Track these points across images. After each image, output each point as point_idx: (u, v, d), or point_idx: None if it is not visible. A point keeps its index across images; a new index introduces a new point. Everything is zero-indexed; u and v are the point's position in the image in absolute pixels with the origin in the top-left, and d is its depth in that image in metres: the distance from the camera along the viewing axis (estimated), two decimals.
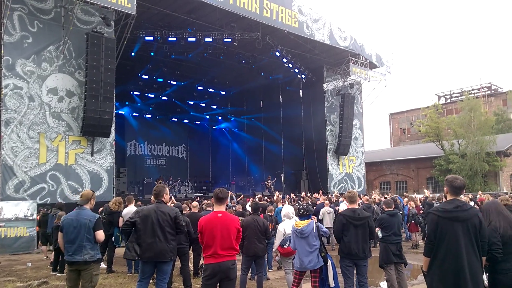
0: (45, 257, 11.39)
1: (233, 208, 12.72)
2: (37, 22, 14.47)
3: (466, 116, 31.06)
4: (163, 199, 5.27)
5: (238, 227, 4.70)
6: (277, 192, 18.67)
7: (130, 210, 8.44)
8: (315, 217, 6.45)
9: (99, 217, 5.15)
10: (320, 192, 19.56)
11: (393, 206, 7.23)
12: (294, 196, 18.77)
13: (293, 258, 6.28)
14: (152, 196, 5.33)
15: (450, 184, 3.77)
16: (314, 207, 13.03)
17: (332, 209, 12.78)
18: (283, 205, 12.01)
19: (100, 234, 5.00)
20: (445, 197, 3.88)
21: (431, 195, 16.88)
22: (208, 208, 8.97)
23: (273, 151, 28.47)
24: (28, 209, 12.99)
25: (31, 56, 14.34)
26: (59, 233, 5.06)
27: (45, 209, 12.42)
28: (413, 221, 12.61)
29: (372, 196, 17.15)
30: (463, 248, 3.55)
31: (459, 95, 48.95)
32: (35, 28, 14.44)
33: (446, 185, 3.81)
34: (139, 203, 12.44)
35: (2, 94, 13.72)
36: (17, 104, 14.02)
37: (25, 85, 14.20)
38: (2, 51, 13.81)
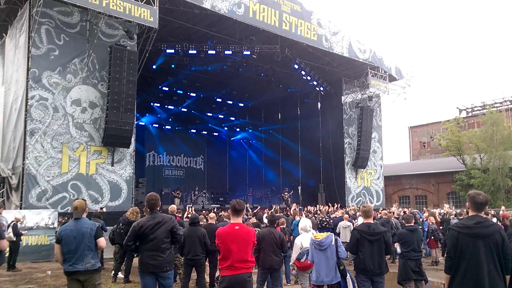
0: None
1: (249, 220, 12.72)
2: (63, 36, 14.93)
3: (488, 130, 30.33)
4: (158, 208, 5.19)
5: (255, 240, 4.70)
6: (294, 204, 18.54)
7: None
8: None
9: (99, 224, 5.10)
10: (337, 205, 19.34)
11: (413, 221, 7.08)
12: (312, 209, 18.61)
13: (310, 272, 6.19)
14: (146, 206, 5.18)
15: (472, 200, 3.69)
16: (331, 221, 12.87)
17: (350, 223, 12.58)
18: (300, 218, 11.93)
19: (102, 241, 4.94)
20: (467, 213, 3.81)
21: (448, 210, 16.48)
22: (227, 220, 8.97)
23: (291, 163, 28.41)
24: (50, 218, 13.23)
25: (57, 68, 14.77)
26: (56, 244, 4.95)
27: (66, 218, 12.64)
28: (432, 237, 12.31)
29: (391, 210, 16.85)
30: (484, 266, 3.46)
31: (481, 108, 47.90)
32: (62, 41, 14.89)
33: (468, 200, 3.73)
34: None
35: (28, 105, 14.16)
36: (42, 114, 14.43)
37: (50, 96, 14.62)
38: (30, 63, 14.29)
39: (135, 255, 9.04)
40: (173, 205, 10.04)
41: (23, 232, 11.77)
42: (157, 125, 28.50)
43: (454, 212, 15.09)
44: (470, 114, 48.79)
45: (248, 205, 17.95)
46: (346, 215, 13.06)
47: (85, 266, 4.82)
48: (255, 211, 16.52)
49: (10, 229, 10.75)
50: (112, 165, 15.73)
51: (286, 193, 24.81)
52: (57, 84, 14.78)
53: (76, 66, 15.18)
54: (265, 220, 10.37)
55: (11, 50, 16.37)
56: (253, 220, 12.25)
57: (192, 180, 29.20)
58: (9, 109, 15.98)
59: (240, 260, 4.44)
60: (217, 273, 7.87)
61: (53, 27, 14.78)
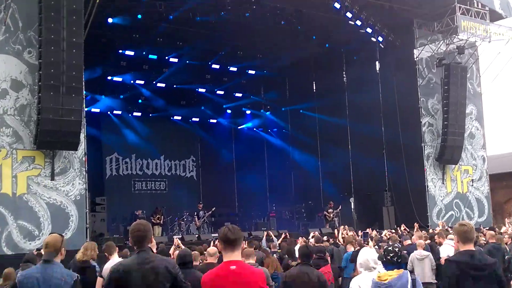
0: None
1: (275, 254, 12.65)
2: None
3: None
4: (149, 244, 5.25)
5: (262, 286, 4.72)
6: (344, 227, 18.47)
7: (113, 263, 8.52)
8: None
9: (78, 276, 5.24)
10: (416, 226, 19.23)
11: None
12: (373, 233, 18.50)
13: None
14: (131, 241, 5.28)
15: None
16: (405, 252, 12.80)
17: (428, 253, 12.47)
18: (356, 248, 11.84)
19: None
20: None
21: None
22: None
23: (336, 162, 28.35)
24: None
25: None
26: None
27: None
28: None
29: (502, 230, 16.61)
30: None
31: None
32: None
33: None
34: (125, 251, 12.59)
35: None
36: None
37: None
38: None
39: None
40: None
41: None
42: (119, 112, 28.71)
43: None
44: None
45: (270, 232, 17.93)
46: (421, 241, 12.95)
47: None
48: (280, 240, 16.51)
49: None
50: (53, 179, 15.85)
51: (331, 210, 24.79)
52: None
53: None
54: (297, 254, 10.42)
55: None
56: (267, 254, 12.21)
57: (180, 195, 29.31)
58: None
59: None
60: None
61: None
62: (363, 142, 27.03)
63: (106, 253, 9.19)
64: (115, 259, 8.81)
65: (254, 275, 4.69)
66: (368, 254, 6.66)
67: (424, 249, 12.41)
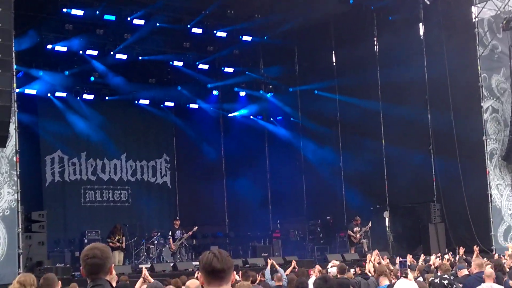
0: None
1: None
2: None
3: None
4: (107, 276, 5.28)
5: None
6: (373, 253, 18.44)
7: None
8: None
9: None
10: (475, 250, 19.20)
11: None
12: (415, 261, 18.48)
13: None
14: (83, 270, 5.24)
15: None
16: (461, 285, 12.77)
17: (501, 287, 12.45)
18: (391, 281, 11.87)
19: None
20: None
21: None
22: None
23: (364, 161, 28.34)
24: None
25: None
26: None
27: None
28: None
29: None
30: None
31: None
32: None
33: None
34: (73, 286, 12.52)
35: None
36: None
37: None
38: None
39: None
40: None
41: None
42: (64, 94, 28.60)
43: None
44: None
45: (273, 261, 17.93)
46: (490, 270, 12.90)
47: None
48: (288, 271, 16.48)
49: None
50: None
51: (357, 228, 24.96)
52: None
53: None
54: None
55: None
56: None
57: (149, 209, 29.42)
58: None
59: None
60: None
61: None
62: (402, 134, 26.99)
63: None
64: None
65: None
66: None
67: (495, 282, 12.36)
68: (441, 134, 25.55)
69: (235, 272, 4.93)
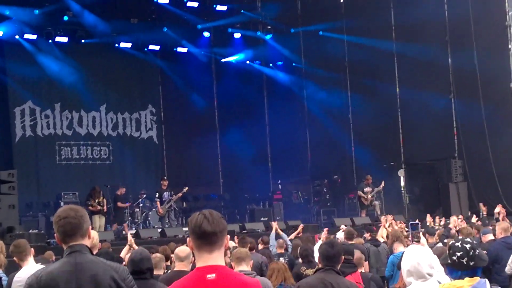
0: None
1: (282, 258, 12.65)
2: None
3: None
4: (85, 241, 5.27)
5: None
6: (386, 218, 18.47)
7: (27, 273, 8.48)
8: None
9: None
10: (501, 211, 19.30)
11: None
12: (434, 222, 18.56)
13: None
14: (57, 236, 5.25)
15: None
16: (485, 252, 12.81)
17: None
18: (409, 244, 11.89)
19: None
20: None
21: None
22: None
23: (376, 111, 28.51)
24: None
25: None
26: None
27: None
28: None
29: None
30: None
31: None
32: None
33: None
34: (49, 254, 12.55)
35: None
36: None
37: None
38: None
39: None
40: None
41: None
42: (34, 37, 28.37)
43: None
44: None
45: (275, 223, 17.97)
46: None
47: None
48: (292, 235, 16.58)
49: None
50: None
51: (368, 188, 25.07)
52: None
53: None
54: (316, 255, 10.74)
55: None
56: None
57: (132, 168, 29.56)
58: None
59: None
60: None
61: None
62: (419, 77, 27.13)
63: (15, 258, 9.14)
64: (30, 266, 8.79)
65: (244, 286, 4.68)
66: (420, 255, 6.69)
67: None
68: (463, 78, 25.58)
69: (229, 236, 4.84)
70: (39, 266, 8.18)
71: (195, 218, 4.68)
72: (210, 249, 4.67)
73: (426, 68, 26.53)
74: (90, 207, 22.96)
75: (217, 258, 4.67)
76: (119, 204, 25.00)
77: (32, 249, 9.48)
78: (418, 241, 12.81)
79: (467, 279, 5.71)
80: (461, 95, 25.80)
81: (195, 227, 4.66)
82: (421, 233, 14.96)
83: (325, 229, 17.39)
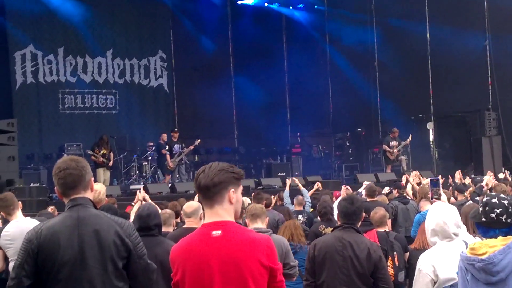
0: None
1: (300, 215, 12.44)
2: None
3: None
4: (87, 193, 5.36)
5: (269, 264, 4.66)
6: (412, 173, 18.27)
7: (15, 227, 8.47)
8: None
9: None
10: None
11: None
12: (464, 179, 18.36)
13: None
14: (58, 189, 5.37)
15: None
16: None
17: None
18: (435, 202, 11.65)
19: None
20: None
21: None
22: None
23: (406, 53, 28.31)
24: None
25: None
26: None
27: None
28: None
29: None
30: None
31: None
32: None
33: None
34: (51, 209, 12.34)
35: None
36: None
37: None
38: None
39: None
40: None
41: None
42: None
43: None
44: None
45: (294, 178, 17.93)
46: None
47: None
48: (311, 191, 16.45)
49: None
50: None
51: (394, 142, 24.91)
52: None
53: None
54: (335, 213, 10.94)
55: None
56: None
57: (141, 118, 29.51)
58: None
59: None
60: None
61: None
62: (451, 17, 26.83)
63: (2, 212, 9.27)
64: (19, 220, 8.97)
65: (251, 245, 4.60)
66: (446, 214, 6.72)
67: None
68: (501, 17, 25.20)
69: (233, 191, 4.71)
70: (28, 219, 9.09)
71: (197, 171, 4.87)
72: (210, 204, 4.77)
73: (459, 5, 26.14)
74: (92, 157, 22.85)
75: (221, 213, 4.75)
76: (163, 151, 25.10)
77: (20, 202, 9.51)
78: (438, 198, 12.63)
79: (500, 238, 5.58)
80: (497, 39, 25.46)
81: (194, 180, 4.83)
82: (441, 190, 14.87)
83: (343, 186, 17.21)
